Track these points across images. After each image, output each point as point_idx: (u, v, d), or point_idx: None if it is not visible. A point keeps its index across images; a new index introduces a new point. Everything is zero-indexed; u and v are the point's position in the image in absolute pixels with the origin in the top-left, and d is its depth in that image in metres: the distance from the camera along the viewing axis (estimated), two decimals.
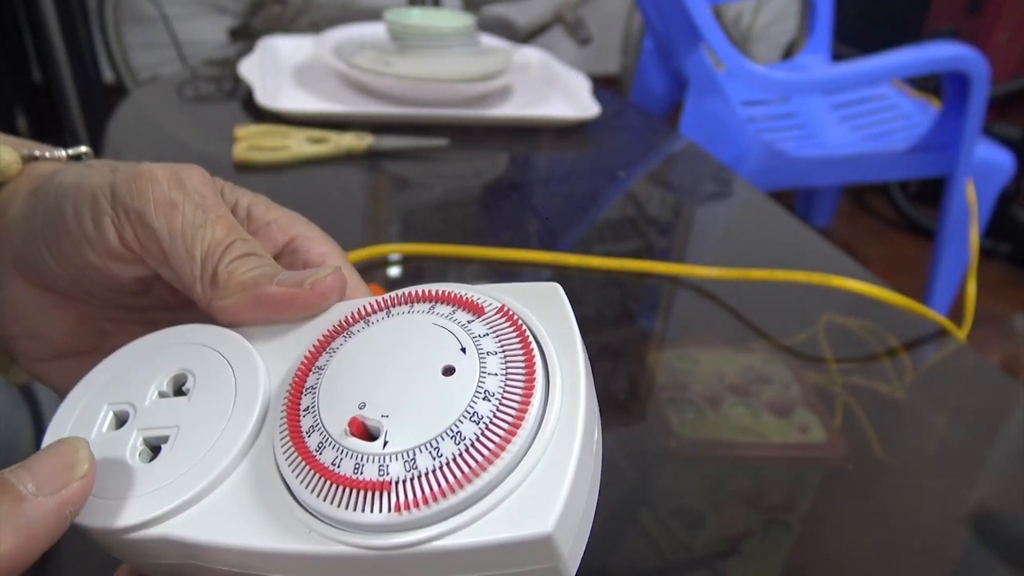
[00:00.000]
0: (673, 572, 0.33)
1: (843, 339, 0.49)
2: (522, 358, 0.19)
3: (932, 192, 1.80)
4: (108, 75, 1.98)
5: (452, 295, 0.21)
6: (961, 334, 0.50)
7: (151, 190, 0.23)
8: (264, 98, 0.70)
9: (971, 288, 0.83)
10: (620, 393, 0.43)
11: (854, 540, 0.35)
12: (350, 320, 0.22)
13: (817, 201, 1.93)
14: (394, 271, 0.52)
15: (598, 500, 0.20)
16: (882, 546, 0.35)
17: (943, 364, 0.49)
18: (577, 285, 0.52)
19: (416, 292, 0.22)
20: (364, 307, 0.22)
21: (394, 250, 0.52)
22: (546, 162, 0.74)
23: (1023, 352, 1.67)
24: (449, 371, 0.19)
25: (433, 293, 0.22)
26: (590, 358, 0.21)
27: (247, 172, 0.62)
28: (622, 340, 0.48)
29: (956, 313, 1.14)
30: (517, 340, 0.20)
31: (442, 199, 0.64)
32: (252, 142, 0.64)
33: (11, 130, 1.68)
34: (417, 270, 0.52)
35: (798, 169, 1.26)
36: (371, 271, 0.51)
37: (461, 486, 0.17)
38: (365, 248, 0.51)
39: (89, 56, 1.66)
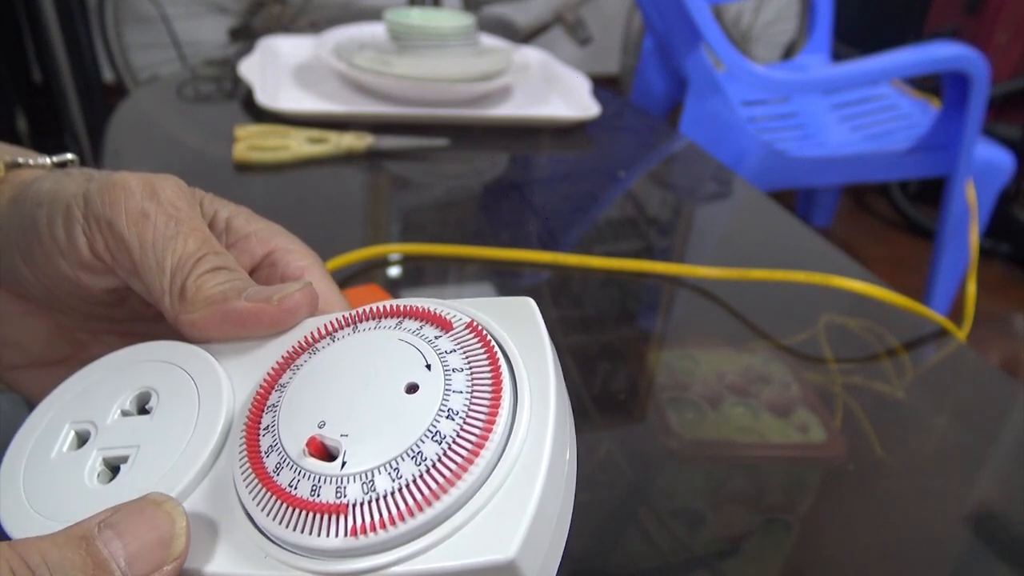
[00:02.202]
0: (673, 572, 0.33)
1: (843, 339, 0.49)
2: (489, 375, 0.19)
3: (932, 192, 1.81)
4: (108, 75, 1.98)
5: (420, 310, 0.21)
6: (961, 334, 0.50)
7: (124, 200, 0.22)
8: (264, 98, 0.70)
9: (971, 288, 0.83)
10: (620, 393, 0.43)
11: (854, 540, 0.35)
12: (316, 336, 0.21)
13: (817, 201, 1.93)
14: (394, 271, 0.52)
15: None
16: (882, 546, 0.35)
17: (943, 364, 0.49)
18: (577, 285, 0.52)
19: (384, 307, 0.21)
20: (331, 323, 0.21)
21: (394, 250, 0.52)
22: (546, 162, 0.74)
23: (1023, 352, 1.67)
24: (412, 388, 0.18)
25: (401, 308, 0.21)
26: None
27: (247, 172, 0.62)
28: (622, 340, 0.48)
29: (956, 313, 1.14)
30: (485, 357, 0.19)
31: (442, 199, 0.64)
32: (252, 142, 0.64)
33: (11, 130, 1.68)
34: (417, 270, 0.52)
35: (798, 169, 1.26)
36: (371, 271, 0.51)
37: (421, 509, 0.17)
38: (365, 248, 0.51)
39: (89, 56, 1.66)
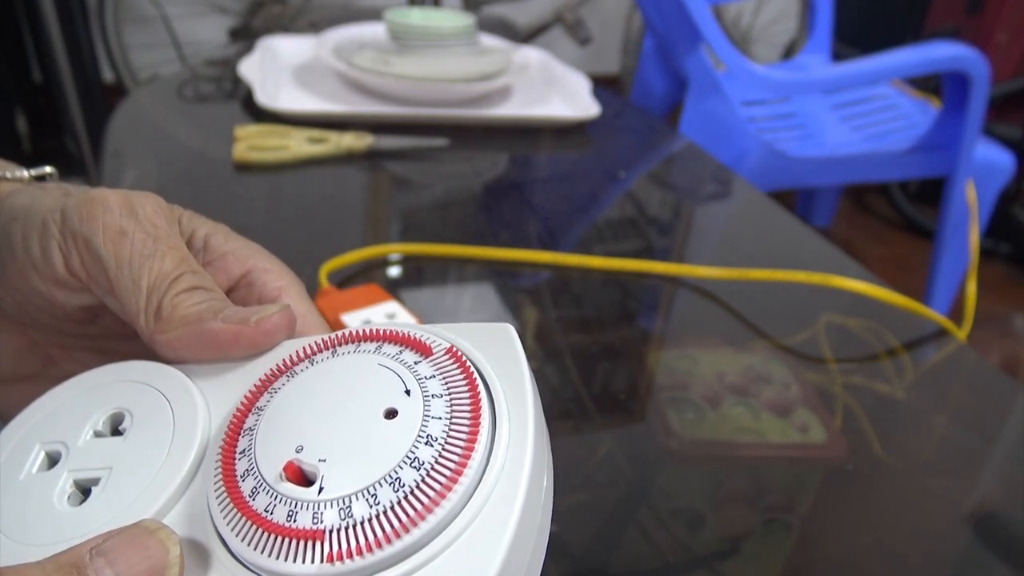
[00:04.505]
0: (673, 572, 0.33)
1: (843, 339, 0.49)
2: (468, 402, 0.19)
3: (932, 192, 1.80)
4: (108, 75, 1.98)
5: (400, 335, 0.21)
6: (961, 334, 0.50)
7: (101, 216, 0.22)
8: (264, 98, 0.70)
9: (971, 288, 0.83)
10: (620, 393, 0.43)
11: (854, 540, 0.35)
12: (294, 359, 0.21)
13: (817, 201, 1.93)
14: (394, 271, 0.52)
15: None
16: (882, 546, 0.35)
17: (943, 364, 0.49)
18: (577, 285, 0.52)
19: (364, 331, 0.21)
20: (309, 345, 0.21)
21: (394, 250, 0.52)
22: (546, 162, 0.74)
23: (1023, 352, 1.67)
24: (391, 414, 0.18)
25: (381, 332, 0.21)
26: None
27: (247, 172, 0.62)
28: (622, 340, 0.48)
29: (956, 313, 1.14)
30: (464, 383, 0.19)
31: (442, 199, 0.64)
32: (252, 142, 0.64)
33: (11, 130, 1.68)
34: (417, 270, 0.52)
35: (798, 169, 1.26)
36: (371, 271, 0.51)
37: (398, 536, 0.16)
38: (365, 248, 0.51)
39: (89, 56, 1.66)
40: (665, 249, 0.61)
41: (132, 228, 0.22)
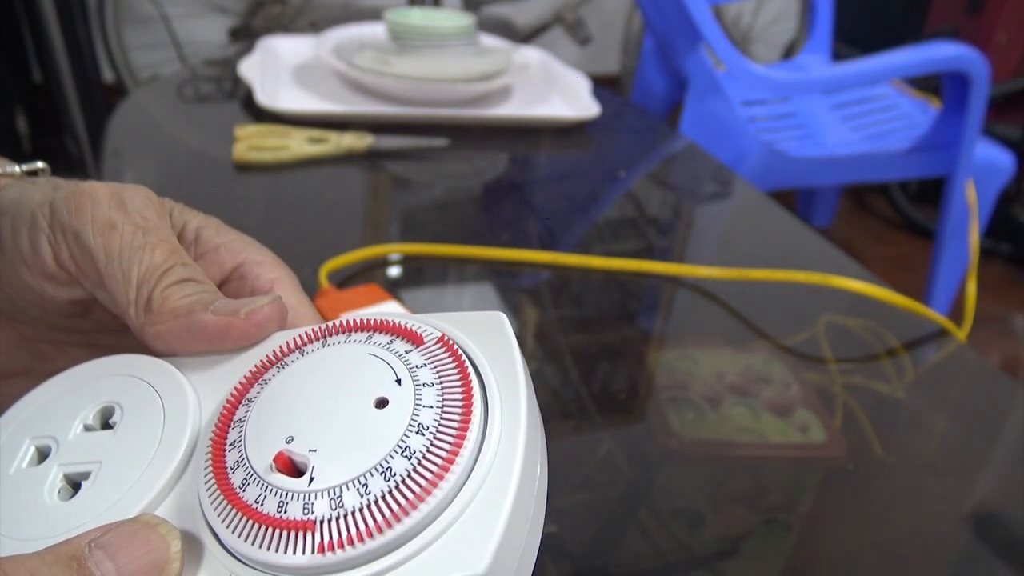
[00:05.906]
0: (673, 572, 0.33)
1: (843, 339, 0.49)
2: (460, 390, 0.18)
3: (932, 192, 1.81)
4: (108, 75, 1.98)
5: (391, 324, 0.20)
6: (961, 334, 0.50)
7: (90, 209, 0.22)
8: (264, 98, 0.70)
9: (971, 288, 0.83)
10: (620, 393, 0.43)
11: (854, 540, 0.35)
12: (284, 350, 0.21)
13: (817, 201, 1.93)
14: (394, 271, 0.52)
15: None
16: (882, 546, 0.35)
17: (943, 364, 0.49)
18: (577, 285, 0.52)
19: (354, 321, 0.21)
20: (300, 336, 0.21)
21: (394, 250, 0.52)
22: (546, 162, 0.74)
23: (1023, 352, 1.67)
24: (382, 403, 0.18)
25: (371, 322, 0.21)
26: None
27: (247, 172, 0.62)
28: (622, 340, 0.48)
29: (956, 313, 1.14)
30: (455, 371, 0.19)
31: (442, 199, 0.64)
32: (252, 142, 0.64)
33: (11, 130, 1.68)
34: (417, 270, 0.52)
35: (798, 169, 1.26)
36: (371, 271, 0.51)
37: (390, 525, 0.16)
38: (365, 248, 0.51)
39: (89, 56, 1.66)
40: (665, 249, 0.61)
41: (121, 221, 0.22)
